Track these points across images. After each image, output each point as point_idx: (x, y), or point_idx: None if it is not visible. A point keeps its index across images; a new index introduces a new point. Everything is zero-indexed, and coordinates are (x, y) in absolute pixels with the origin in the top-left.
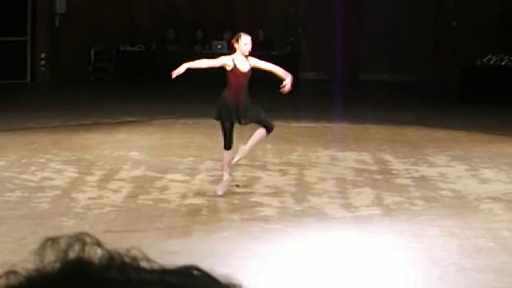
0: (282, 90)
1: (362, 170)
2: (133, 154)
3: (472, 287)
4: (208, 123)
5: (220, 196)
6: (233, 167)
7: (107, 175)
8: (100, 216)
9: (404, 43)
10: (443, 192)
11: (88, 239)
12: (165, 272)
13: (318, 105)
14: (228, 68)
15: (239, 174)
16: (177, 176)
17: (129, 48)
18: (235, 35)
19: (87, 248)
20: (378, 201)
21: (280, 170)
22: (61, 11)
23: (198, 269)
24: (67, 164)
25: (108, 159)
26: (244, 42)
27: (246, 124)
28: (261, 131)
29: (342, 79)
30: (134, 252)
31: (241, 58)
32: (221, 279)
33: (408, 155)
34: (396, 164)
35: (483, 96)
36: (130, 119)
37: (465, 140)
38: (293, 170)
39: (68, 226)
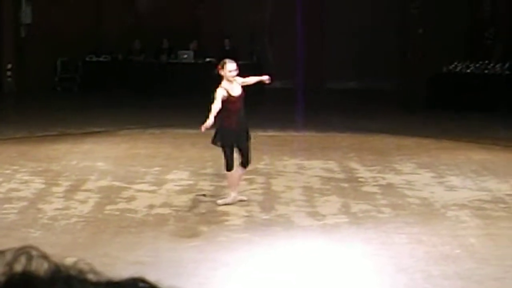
0: (266, 82)
1: (329, 179)
2: (100, 164)
3: None
4: (175, 133)
5: (219, 204)
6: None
7: (74, 186)
8: (67, 227)
9: (370, 51)
10: (410, 200)
11: (34, 252)
12: (110, 284)
13: (284, 114)
14: (224, 98)
15: (206, 184)
16: (144, 186)
17: (95, 59)
18: (220, 62)
19: (33, 261)
20: (345, 209)
21: (247, 179)
22: (26, 22)
23: (144, 281)
24: (34, 175)
25: (74, 170)
26: (229, 69)
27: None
28: (238, 170)
29: (307, 87)
30: (81, 265)
31: (229, 84)
32: None
33: (375, 163)
34: (363, 172)
35: (450, 103)
36: (97, 129)
37: (432, 148)
38: (260, 179)
39: (35, 237)
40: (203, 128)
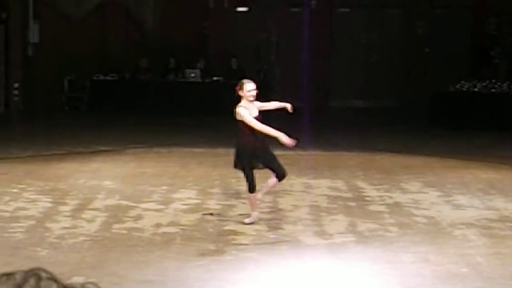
0: (290, 111)
1: (336, 197)
2: (107, 183)
3: None
4: (182, 152)
5: (245, 223)
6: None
7: (81, 205)
8: (74, 246)
9: (376, 69)
10: (417, 219)
11: (43, 274)
12: None
13: (291, 132)
14: (240, 118)
15: (213, 203)
16: (151, 205)
17: (102, 77)
18: (238, 83)
19: (42, 283)
20: (352, 228)
21: None
22: (34, 41)
23: None
24: (41, 194)
25: (82, 189)
26: (248, 89)
27: (261, 169)
28: (273, 180)
29: (313, 105)
30: (89, 286)
31: (248, 104)
32: None
33: (381, 181)
34: (370, 191)
35: (457, 122)
36: (104, 148)
37: (438, 166)
38: (267, 198)
39: (43, 256)
40: (292, 142)
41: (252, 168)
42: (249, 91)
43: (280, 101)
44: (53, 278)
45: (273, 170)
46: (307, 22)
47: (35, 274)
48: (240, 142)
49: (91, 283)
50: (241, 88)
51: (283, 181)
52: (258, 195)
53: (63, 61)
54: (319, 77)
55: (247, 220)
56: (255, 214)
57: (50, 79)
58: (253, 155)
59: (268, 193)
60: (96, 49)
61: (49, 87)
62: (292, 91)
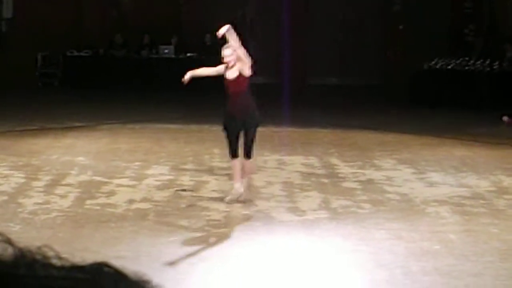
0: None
1: (309, 174)
2: (80, 159)
3: None
4: (155, 128)
5: (226, 203)
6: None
7: (54, 180)
8: (47, 222)
9: (352, 47)
10: (390, 196)
11: None
12: (74, 269)
13: (266, 109)
14: (222, 76)
15: (186, 179)
16: (124, 181)
17: (76, 53)
18: None
19: None
20: (325, 205)
21: (227, 175)
22: (7, 16)
23: (108, 265)
24: (14, 169)
25: (55, 164)
26: (223, 54)
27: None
28: (241, 160)
29: (290, 83)
30: (45, 250)
31: (227, 69)
32: (132, 276)
33: (355, 158)
34: (343, 168)
35: (431, 100)
36: (77, 124)
37: (413, 144)
38: (243, 176)
39: (15, 231)
40: (184, 81)
41: (233, 132)
42: (223, 57)
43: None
44: (8, 241)
45: (243, 140)
46: None
47: None
48: (226, 106)
49: (47, 246)
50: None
51: (257, 157)
52: (237, 185)
53: (37, 36)
54: (297, 55)
55: (227, 199)
56: (236, 187)
57: (23, 55)
58: (235, 120)
59: (245, 176)
60: (71, 24)
61: (22, 63)
62: (268, 68)
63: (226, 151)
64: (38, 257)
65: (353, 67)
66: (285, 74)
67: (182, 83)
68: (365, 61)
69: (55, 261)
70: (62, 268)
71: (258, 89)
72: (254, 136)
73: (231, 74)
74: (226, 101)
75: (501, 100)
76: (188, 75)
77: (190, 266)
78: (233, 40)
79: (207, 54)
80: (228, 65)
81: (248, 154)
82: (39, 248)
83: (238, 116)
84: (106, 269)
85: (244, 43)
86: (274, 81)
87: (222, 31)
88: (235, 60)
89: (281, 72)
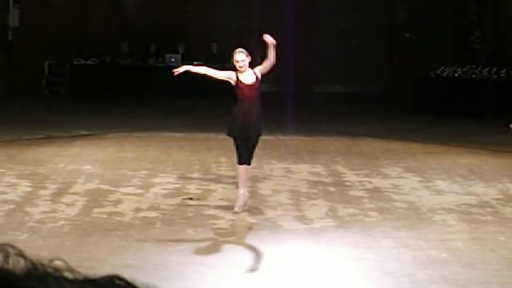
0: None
1: (316, 182)
2: (87, 167)
3: None
4: (162, 136)
5: (236, 212)
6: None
7: (61, 189)
8: (54, 230)
9: (358, 55)
10: (397, 204)
11: (11, 250)
12: (86, 282)
13: (272, 117)
14: (232, 83)
15: (193, 187)
16: (131, 190)
17: (82, 62)
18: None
19: (10, 259)
20: (332, 213)
21: (234, 183)
22: (14, 25)
23: (120, 278)
24: (21, 178)
25: (62, 173)
26: (236, 59)
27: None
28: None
29: (294, 91)
30: (57, 263)
31: (241, 73)
32: (142, 287)
33: (362, 167)
34: (350, 176)
35: (437, 108)
36: (84, 132)
37: (419, 152)
38: (247, 182)
39: (22, 240)
40: (175, 71)
41: (241, 138)
42: (236, 61)
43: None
44: (21, 254)
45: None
46: (289, 6)
47: (2, 250)
48: (235, 111)
49: (60, 259)
50: (232, 57)
51: (264, 166)
52: (242, 190)
53: (43, 45)
54: (301, 62)
55: (236, 209)
56: (241, 193)
57: (30, 63)
58: (245, 126)
59: (247, 181)
60: (77, 33)
61: (29, 71)
62: (273, 76)
63: (234, 159)
64: (50, 270)
65: (358, 74)
66: (289, 82)
67: (173, 73)
68: (370, 69)
69: (67, 274)
70: (74, 281)
71: (263, 96)
72: (257, 143)
73: (248, 79)
74: (236, 106)
75: (508, 107)
76: (183, 68)
77: (198, 275)
78: (272, 55)
79: (213, 63)
80: (239, 70)
81: (250, 161)
82: (51, 261)
83: (248, 122)
84: (117, 281)
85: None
86: (279, 89)
87: (270, 39)
88: (247, 66)
89: (286, 80)
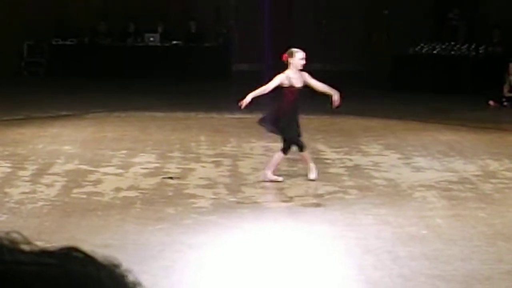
0: (332, 106)
1: (296, 160)
2: (66, 148)
3: (407, 275)
4: (141, 116)
5: (313, 180)
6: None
7: (40, 170)
8: (33, 211)
9: (335, 32)
10: (377, 181)
11: None
12: (43, 254)
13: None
14: (285, 85)
15: (172, 166)
16: (111, 170)
17: (61, 42)
18: (287, 51)
19: None
20: (312, 191)
21: (214, 162)
22: None
23: (77, 250)
24: (0, 159)
25: (41, 154)
26: (299, 57)
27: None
28: (280, 154)
29: (272, 69)
30: (13, 235)
31: (295, 74)
32: (101, 259)
33: (341, 144)
34: (330, 154)
35: (417, 84)
36: (63, 113)
37: (399, 129)
38: (227, 161)
39: (2, 221)
40: (242, 104)
41: (296, 133)
42: (300, 59)
43: (331, 87)
44: None
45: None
46: None
47: None
48: (284, 110)
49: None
50: (292, 56)
51: (243, 144)
52: (268, 175)
53: (21, 26)
54: (280, 41)
55: (312, 176)
56: (312, 166)
57: (8, 44)
58: (296, 123)
59: (275, 168)
60: (55, 13)
61: (7, 52)
62: (253, 54)
63: (216, 138)
64: (5, 242)
65: (337, 52)
66: (267, 61)
67: (240, 106)
68: (348, 47)
69: (23, 247)
70: (30, 253)
71: (242, 76)
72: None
73: (298, 82)
74: (283, 106)
75: (487, 84)
76: (248, 98)
77: (178, 254)
78: (324, 90)
79: (192, 42)
80: (299, 70)
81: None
82: (7, 233)
83: (288, 120)
84: (74, 253)
85: (230, 30)
86: (258, 68)
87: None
88: None
89: (265, 59)
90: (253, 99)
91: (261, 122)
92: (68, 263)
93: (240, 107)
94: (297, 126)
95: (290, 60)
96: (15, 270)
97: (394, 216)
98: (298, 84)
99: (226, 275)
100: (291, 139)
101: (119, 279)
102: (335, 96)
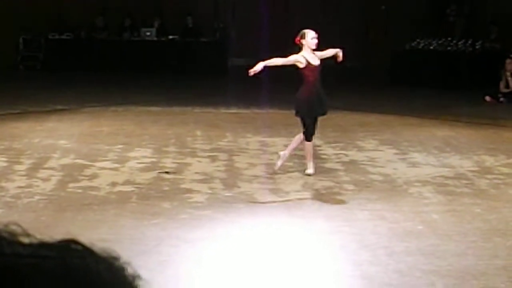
0: (338, 60)
1: (292, 156)
2: (63, 142)
3: (402, 270)
4: (137, 111)
5: (310, 174)
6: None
7: (37, 164)
8: (29, 205)
9: (334, 28)
10: (373, 176)
11: None
12: (42, 246)
13: (248, 91)
14: (302, 65)
15: (168, 161)
16: (107, 164)
17: (57, 36)
18: (299, 33)
19: None
20: (308, 186)
21: (209, 157)
22: None
23: (76, 242)
24: None
25: (37, 148)
26: (311, 36)
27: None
28: (300, 136)
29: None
30: (12, 227)
31: (310, 54)
32: (99, 252)
33: (337, 139)
34: (326, 149)
35: (413, 80)
36: (60, 107)
37: (395, 124)
38: (222, 156)
39: None
40: (251, 71)
41: (311, 116)
42: (312, 38)
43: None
44: None
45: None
46: None
47: None
48: (303, 92)
49: (14, 223)
50: (303, 37)
51: (239, 139)
52: (283, 152)
53: (18, 20)
54: (278, 36)
55: (310, 171)
56: (311, 161)
57: (5, 38)
58: (317, 105)
59: (295, 149)
60: (52, 7)
61: (4, 46)
62: (250, 50)
63: (212, 133)
64: (5, 234)
65: (334, 47)
66: (264, 56)
67: (249, 72)
68: (346, 42)
69: (22, 239)
70: (29, 245)
71: (239, 71)
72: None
73: (315, 61)
74: (304, 88)
75: (483, 80)
76: (259, 66)
77: (173, 248)
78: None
79: (188, 37)
80: (313, 49)
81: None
82: (5, 225)
83: (323, 97)
84: (73, 245)
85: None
86: (255, 63)
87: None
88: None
89: (262, 54)
90: (263, 68)
91: (296, 114)
92: (67, 255)
93: (248, 74)
94: (320, 105)
95: (303, 42)
96: (14, 263)
97: (390, 212)
98: (315, 62)
99: (222, 270)
100: (308, 127)
101: (118, 272)
102: (339, 52)
